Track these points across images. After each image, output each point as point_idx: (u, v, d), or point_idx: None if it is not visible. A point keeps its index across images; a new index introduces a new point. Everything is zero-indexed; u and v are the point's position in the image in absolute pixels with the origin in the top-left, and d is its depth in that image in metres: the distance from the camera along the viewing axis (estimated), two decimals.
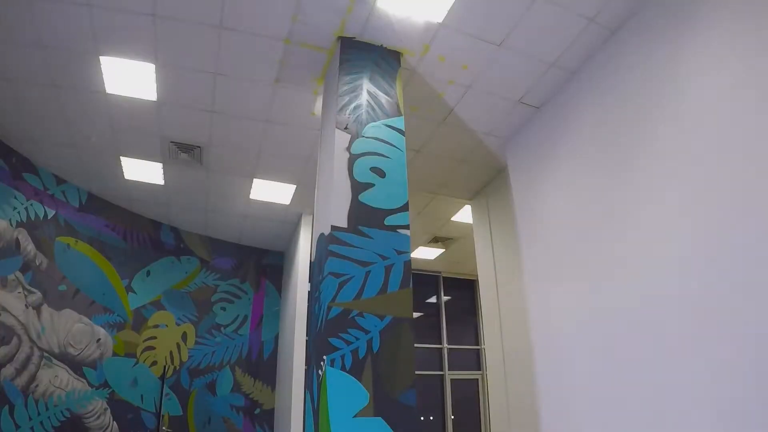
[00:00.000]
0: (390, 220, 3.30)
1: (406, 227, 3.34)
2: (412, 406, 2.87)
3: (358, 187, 3.34)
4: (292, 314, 6.47)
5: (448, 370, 9.15)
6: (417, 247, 8.31)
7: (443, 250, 8.56)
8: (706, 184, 2.91)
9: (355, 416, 2.74)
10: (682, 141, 3.12)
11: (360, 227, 3.21)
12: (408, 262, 3.23)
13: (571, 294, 3.94)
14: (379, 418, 2.76)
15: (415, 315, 8.39)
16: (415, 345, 8.30)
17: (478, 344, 9.73)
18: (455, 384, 9.14)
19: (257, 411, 6.86)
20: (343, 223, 3.19)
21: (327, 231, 3.25)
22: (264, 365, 7.12)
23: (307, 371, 3.27)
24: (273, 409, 6.92)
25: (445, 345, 9.31)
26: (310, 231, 6.41)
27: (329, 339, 2.87)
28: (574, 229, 4.01)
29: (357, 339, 2.91)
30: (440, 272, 9.78)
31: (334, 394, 2.76)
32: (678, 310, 2.98)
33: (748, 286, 2.59)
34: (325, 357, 2.86)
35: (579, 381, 3.75)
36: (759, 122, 2.65)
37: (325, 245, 3.21)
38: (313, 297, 3.37)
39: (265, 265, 7.66)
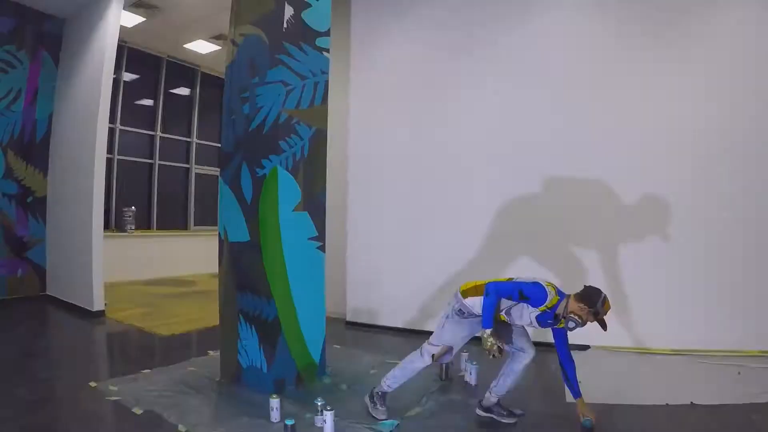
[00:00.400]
0: (319, 42, 3.55)
1: (328, 50, 3.65)
2: (323, 204, 3.58)
3: (300, 5, 3.41)
4: (83, 95, 5.71)
5: (195, 164, 9.36)
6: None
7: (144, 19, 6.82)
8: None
9: (293, 210, 3.31)
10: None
11: (301, 43, 3.40)
12: (327, 82, 3.63)
13: (391, 135, 5.09)
14: (305, 212, 3.41)
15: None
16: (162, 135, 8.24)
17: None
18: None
19: (30, 199, 6.04)
20: (290, 35, 3.31)
21: (263, 36, 3.29)
22: (36, 148, 6.11)
23: (226, 167, 3.44)
24: (45, 197, 6.11)
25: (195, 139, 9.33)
26: (121, 7, 5.41)
27: (279, 142, 3.22)
28: (406, 82, 5.06)
29: (295, 144, 3.34)
30: (199, 66, 9.26)
31: (282, 192, 3.23)
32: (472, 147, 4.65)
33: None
34: (271, 156, 3.22)
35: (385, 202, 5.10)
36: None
37: (269, 52, 3.27)
38: (237, 97, 3.39)
39: (44, 32, 6.12)
